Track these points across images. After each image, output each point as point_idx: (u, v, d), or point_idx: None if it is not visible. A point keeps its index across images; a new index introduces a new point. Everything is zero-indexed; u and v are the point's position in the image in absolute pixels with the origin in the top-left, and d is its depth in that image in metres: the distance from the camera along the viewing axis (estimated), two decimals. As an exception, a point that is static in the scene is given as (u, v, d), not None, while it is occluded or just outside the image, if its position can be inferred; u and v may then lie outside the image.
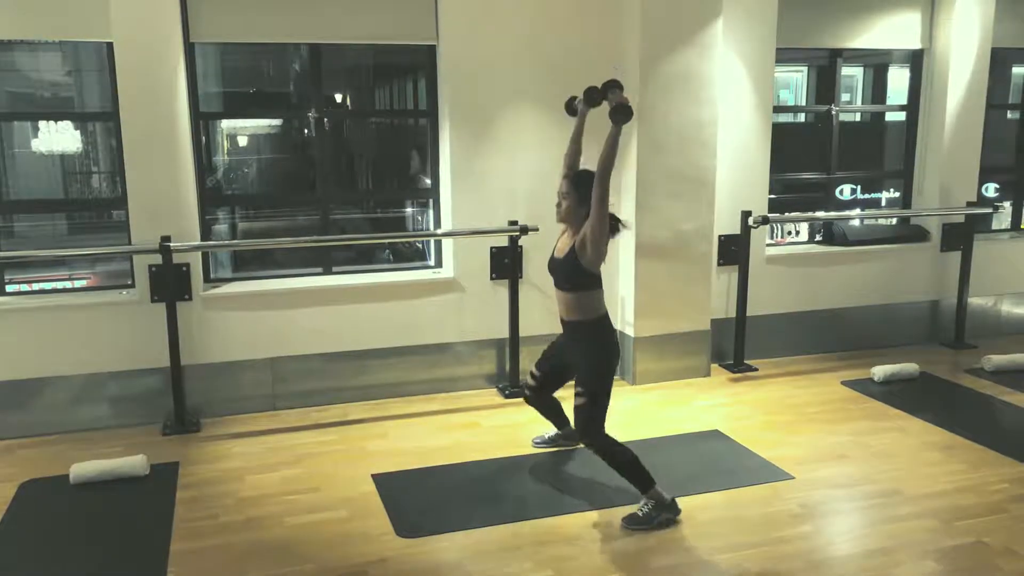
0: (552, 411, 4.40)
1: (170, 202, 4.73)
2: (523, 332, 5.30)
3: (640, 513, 3.62)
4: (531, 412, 4.97)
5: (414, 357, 5.28)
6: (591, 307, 3.71)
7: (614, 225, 3.69)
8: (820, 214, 6.32)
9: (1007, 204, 6.90)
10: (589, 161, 3.74)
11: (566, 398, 4.35)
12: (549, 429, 4.50)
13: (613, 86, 3.68)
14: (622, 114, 3.50)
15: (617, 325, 4.93)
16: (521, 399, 5.19)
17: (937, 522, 3.63)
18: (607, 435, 3.71)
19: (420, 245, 5.96)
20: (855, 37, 6.11)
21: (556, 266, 3.80)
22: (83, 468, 4.07)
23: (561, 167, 3.92)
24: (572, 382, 3.83)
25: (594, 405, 3.69)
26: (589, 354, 3.73)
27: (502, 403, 5.20)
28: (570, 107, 4.04)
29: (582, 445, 3.85)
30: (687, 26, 5.21)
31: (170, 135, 4.69)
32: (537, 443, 4.49)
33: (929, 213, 6.38)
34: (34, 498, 3.96)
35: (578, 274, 3.66)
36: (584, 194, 3.62)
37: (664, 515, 3.62)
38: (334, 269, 5.36)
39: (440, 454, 4.40)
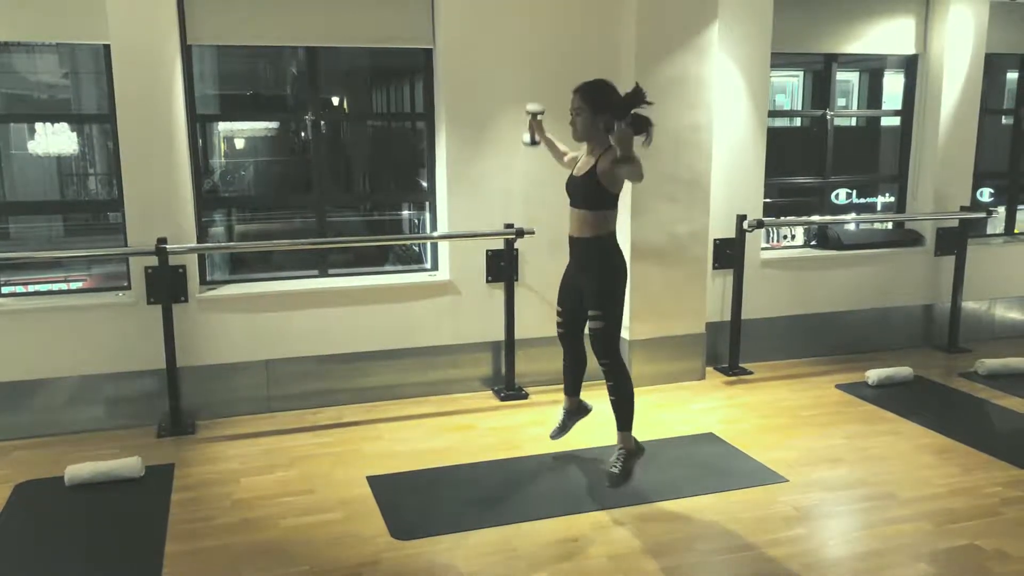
0: (575, 367, 4.26)
1: (166, 204, 4.74)
2: (519, 335, 5.31)
3: (617, 470, 3.90)
4: (527, 415, 5.00)
5: (410, 360, 5.29)
6: (604, 224, 3.75)
7: (647, 129, 3.73)
8: (815, 218, 6.34)
9: (1001, 209, 6.92)
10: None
11: (592, 397, 4.37)
12: (552, 423, 4.45)
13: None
14: (640, 124, 3.63)
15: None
16: (517, 401, 5.24)
17: (930, 525, 3.64)
18: (623, 362, 3.84)
19: (416, 248, 5.98)
20: (850, 42, 6.13)
21: (576, 185, 3.82)
22: (78, 470, 4.07)
23: (567, 182, 3.97)
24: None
25: (610, 324, 3.79)
26: (600, 273, 3.77)
27: (498, 406, 5.21)
28: (532, 141, 4.22)
29: (600, 365, 3.88)
30: (683, 30, 5.23)
31: (167, 137, 4.69)
32: (555, 436, 4.38)
33: (923, 217, 6.40)
34: (29, 500, 3.95)
35: (598, 194, 3.70)
36: (598, 106, 3.65)
37: (635, 459, 3.91)
38: (330, 272, 5.37)
39: (435, 456, 4.40)
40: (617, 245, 3.87)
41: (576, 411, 4.37)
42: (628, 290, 5.31)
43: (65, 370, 4.72)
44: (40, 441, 4.63)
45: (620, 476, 3.95)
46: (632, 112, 3.71)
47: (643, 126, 3.73)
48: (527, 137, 4.29)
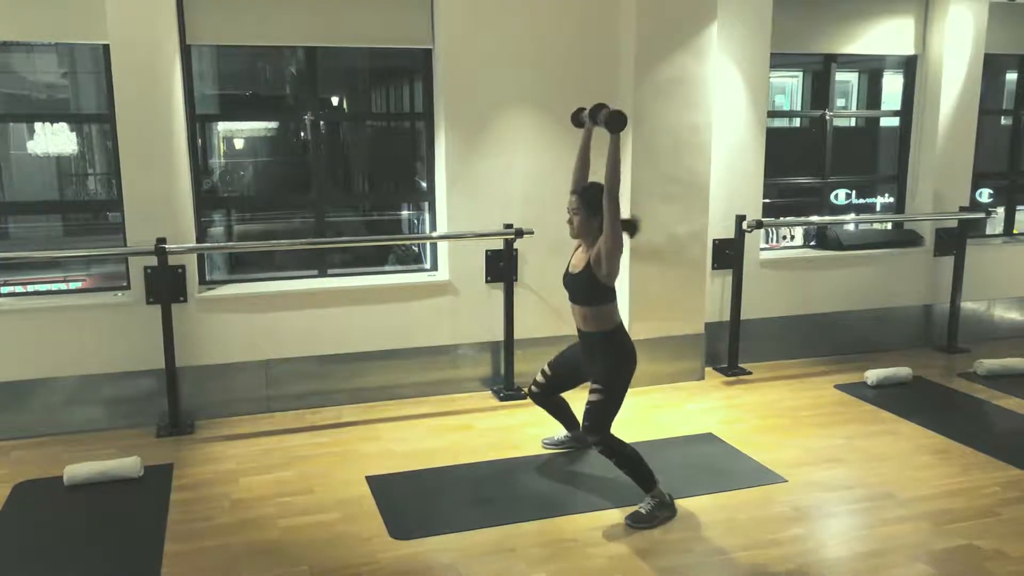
0: (561, 411, 4.39)
1: (166, 204, 4.73)
2: (518, 335, 5.31)
3: (644, 511, 3.69)
4: (526, 414, 4.99)
5: (409, 360, 5.29)
6: (607, 319, 3.76)
7: (632, 229, 3.83)
8: (814, 218, 6.35)
9: (1000, 209, 6.93)
10: (596, 174, 3.76)
11: (575, 399, 4.37)
12: (556, 429, 4.49)
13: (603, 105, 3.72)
14: (616, 121, 3.54)
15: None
16: (515, 401, 5.23)
17: (929, 525, 3.65)
18: (613, 435, 3.76)
19: (416, 248, 5.98)
20: (849, 42, 6.14)
21: (571, 281, 3.84)
22: (77, 470, 4.07)
23: (569, 183, 3.96)
24: (584, 383, 3.90)
25: (608, 401, 3.75)
26: (607, 364, 3.77)
27: (497, 406, 5.21)
28: (577, 119, 4.06)
29: (591, 443, 3.83)
30: (682, 30, 5.23)
31: (166, 137, 4.69)
32: (546, 444, 4.49)
33: (923, 218, 6.41)
34: (28, 500, 3.95)
35: (594, 289, 3.71)
36: (594, 208, 3.68)
37: (665, 513, 3.71)
38: (329, 272, 5.37)
39: (434, 456, 4.40)
40: (625, 335, 3.83)
41: (578, 438, 4.37)
42: (628, 291, 5.36)
43: (64, 370, 4.72)
44: (39, 441, 4.63)
45: (644, 517, 3.68)
46: (611, 111, 3.69)
47: (631, 231, 3.87)
48: (589, 115, 3.91)
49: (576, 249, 3.89)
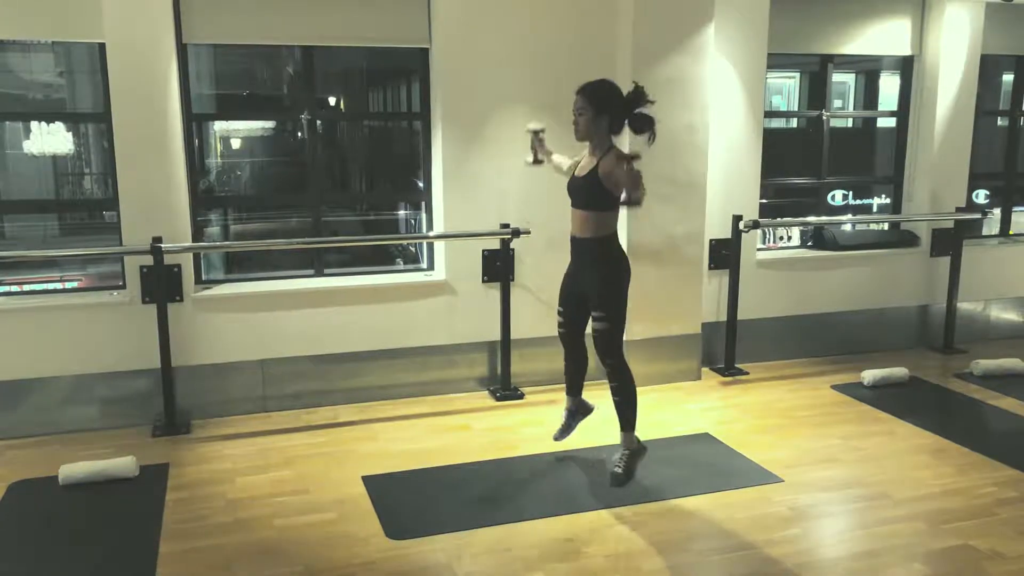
0: (577, 367, 4.25)
1: (162, 203, 4.73)
2: (515, 335, 5.31)
3: (621, 470, 3.95)
4: (522, 415, 5.00)
5: (405, 359, 5.28)
6: (606, 225, 3.76)
7: (650, 128, 3.73)
8: (811, 219, 6.35)
9: (996, 210, 6.94)
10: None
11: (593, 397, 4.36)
12: (552, 428, 4.43)
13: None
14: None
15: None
16: (512, 401, 5.24)
17: (925, 525, 3.65)
18: (626, 362, 3.88)
19: (413, 248, 5.97)
20: (846, 43, 6.14)
21: (577, 186, 3.84)
22: (72, 469, 4.06)
23: (565, 182, 3.99)
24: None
25: (613, 325, 3.81)
26: (602, 274, 3.79)
27: (493, 406, 5.20)
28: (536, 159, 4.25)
29: (605, 366, 3.91)
30: (679, 31, 5.23)
31: (162, 137, 4.68)
32: (558, 437, 4.31)
33: (919, 218, 6.42)
34: (23, 499, 3.94)
35: (600, 195, 3.71)
36: (601, 106, 3.69)
37: (639, 459, 4.02)
38: (326, 271, 5.36)
39: (431, 456, 4.40)
40: (619, 245, 3.90)
41: (578, 411, 4.34)
42: (626, 290, 5.34)
43: (60, 369, 4.71)
44: (34, 440, 4.62)
45: (623, 475, 3.99)
46: (636, 112, 3.74)
47: (646, 125, 3.74)
48: (529, 157, 4.33)
49: (583, 153, 3.89)
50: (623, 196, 3.60)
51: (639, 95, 3.74)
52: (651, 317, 5.46)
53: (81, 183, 8.89)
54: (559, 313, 4.16)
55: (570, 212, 3.92)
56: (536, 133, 4.30)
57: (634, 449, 4.05)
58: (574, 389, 4.32)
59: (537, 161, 4.33)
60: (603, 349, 3.89)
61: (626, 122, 3.78)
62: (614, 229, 3.84)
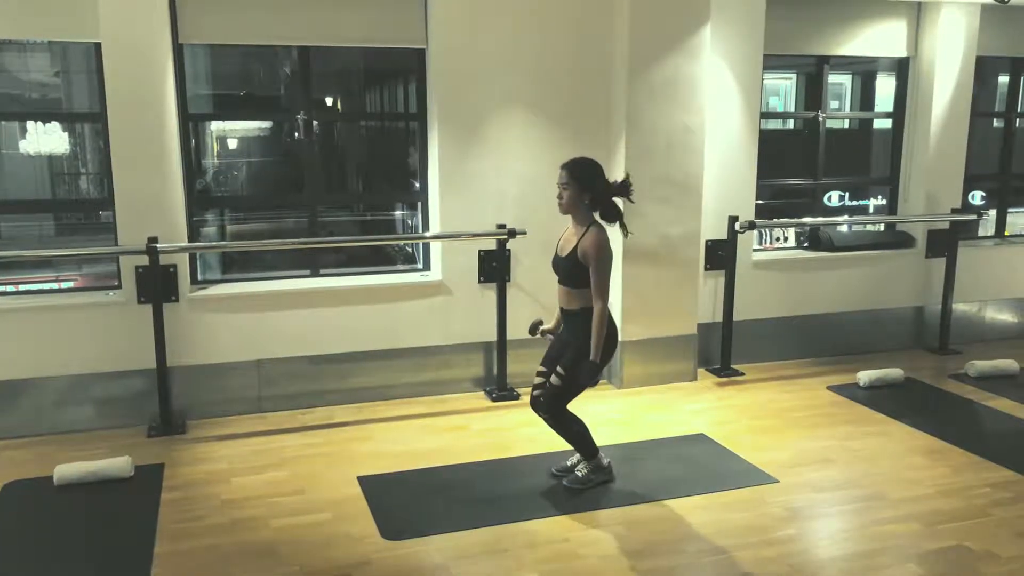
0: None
1: (157, 203, 4.72)
2: (511, 335, 5.31)
3: (580, 475, 4.01)
4: (518, 415, 4.99)
5: (401, 360, 5.28)
6: (589, 298, 3.76)
7: (625, 192, 3.79)
8: (807, 220, 6.36)
9: (991, 212, 6.95)
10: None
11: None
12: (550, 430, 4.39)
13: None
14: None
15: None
16: (508, 402, 5.24)
17: (920, 526, 3.66)
18: (566, 410, 3.91)
19: (409, 248, 5.97)
20: (842, 44, 6.15)
21: (560, 264, 3.88)
22: (67, 469, 4.05)
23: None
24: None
25: (568, 387, 3.86)
26: (582, 343, 3.77)
27: (489, 406, 5.20)
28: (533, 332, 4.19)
29: (541, 415, 3.99)
30: (675, 32, 5.24)
31: (158, 136, 4.67)
32: (557, 472, 4.16)
33: (915, 220, 6.43)
34: (18, 499, 3.94)
35: (581, 273, 3.75)
36: (583, 182, 3.73)
37: (600, 477, 4.01)
38: (322, 272, 5.36)
39: (426, 457, 4.40)
40: (609, 315, 3.84)
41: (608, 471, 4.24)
42: (621, 292, 5.36)
43: (55, 369, 4.70)
44: (29, 441, 4.61)
45: (579, 480, 4.00)
46: (612, 201, 3.81)
47: (615, 217, 3.82)
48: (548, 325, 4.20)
49: (565, 230, 3.90)
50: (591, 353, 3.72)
51: (624, 188, 3.79)
52: (647, 318, 5.47)
53: (77, 183, 8.88)
54: (538, 374, 4.10)
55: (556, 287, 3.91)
56: (541, 334, 4.17)
57: (599, 465, 4.04)
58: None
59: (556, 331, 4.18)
60: (547, 401, 3.89)
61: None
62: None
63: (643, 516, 3.75)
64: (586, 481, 3.99)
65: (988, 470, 4.24)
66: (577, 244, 3.75)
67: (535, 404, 4.09)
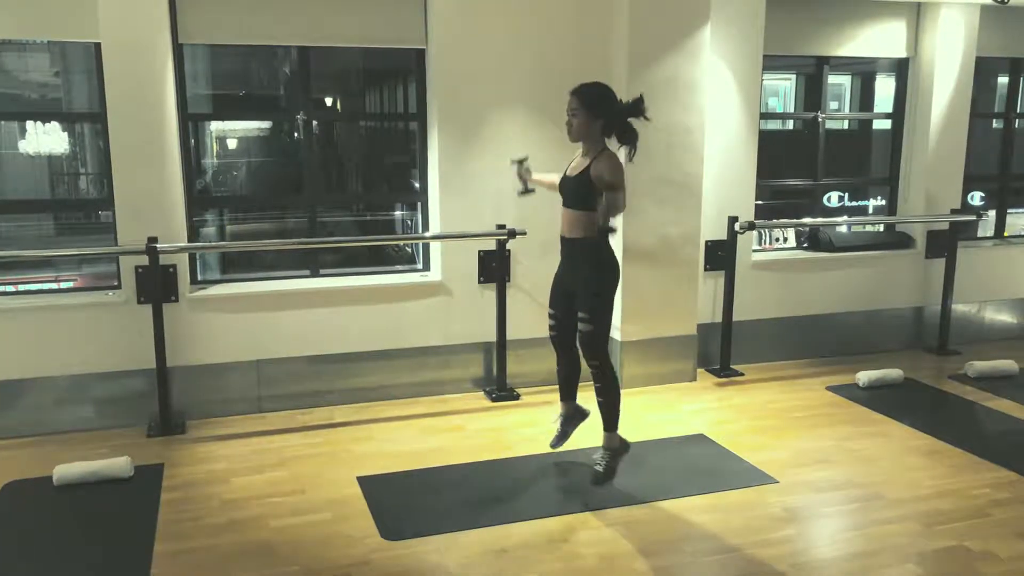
0: (570, 371, 4.22)
1: (157, 203, 4.72)
2: (510, 336, 5.31)
3: (602, 469, 3.98)
4: (518, 415, 5.00)
5: (401, 360, 5.28)
6: (595, 225, 3.74)
7: (638, 111, 3.77)
8: (806, 220, 6.36)
9: (991, 212, 6.96)
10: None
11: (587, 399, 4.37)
12: (544, 424, 4.42)
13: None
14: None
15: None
16: (508, 402, 5.24)
17: (919, 526, 3.66)
18: (611, 363, 3.90)
19: (409, 248, 5.98)
20: (842, 45, 6.15)
21: (568, 185, 3.87)
22: (67, 469, 4.05)
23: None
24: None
25: (597, 326, 3.83)
26: (590, 274, 3.79)
27: (489, 406, 5.20)
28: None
29: (590, 366, 3.94)
30: (675, 32, 5.24)
31: (158, 136, 4.67)
32: (555, 444, 4.29)
33: (914, 220, 6.43)
34: (17, 499, 3.94)
35: (591, 195, 3.73)
36: (594, 109, 3.72)
37: (620, 458, 4.03)
38: (321, 272, 5.36)
39: (426, 457, 4.40)
40: (608, 246, 3.89)
41: (574, 416, 4.32)
42: (620, 292, 5.33)
43: (54, 369, 4.70)
44: (29, 441, 4.61)
45: (604, 475, 4.00)
46: (628, 122, 3.77)
47: (632, 139, 3.79)
48: (519, 187, 4.30)
49: (574, 158, 3.90)
50: (599, 220, 3.65)
51: (638, 107, 3.75)
52: (647, 318, 5.47)
53: (77, 183, 8.89)
54: (550, 315, 4.15)
55: (561, 211, 3.93)
56: (520, 163, 4.28)
57: (615, 448, 4.06)
58: (568, 394, 4.30)
59: (528, 191, 4.28)
60: (588, 350, 3.91)
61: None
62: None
63: (643, 516, 3.75)
64: (611, 472, 3.99)
65: (987, 470, 4.24)
66: (589, 166, 3.72)
67: (554, 340, 4.13)
